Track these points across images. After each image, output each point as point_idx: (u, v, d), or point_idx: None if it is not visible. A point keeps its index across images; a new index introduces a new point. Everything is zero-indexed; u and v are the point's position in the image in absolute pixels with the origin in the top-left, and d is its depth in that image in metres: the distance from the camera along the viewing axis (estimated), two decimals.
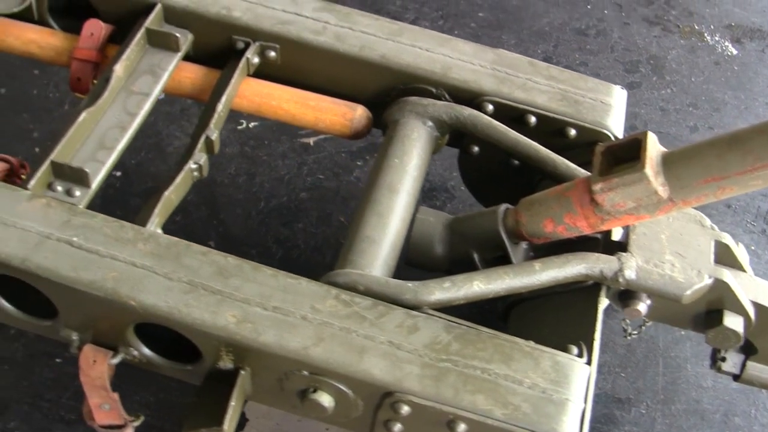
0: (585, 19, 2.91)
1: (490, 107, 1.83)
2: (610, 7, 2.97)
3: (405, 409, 1.38)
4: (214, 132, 1.73)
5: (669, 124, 2.62)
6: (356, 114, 1.86)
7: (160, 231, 1.54)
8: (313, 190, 2.35)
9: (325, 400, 1.42)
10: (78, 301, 1.44)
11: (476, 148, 1.87)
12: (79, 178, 1.58)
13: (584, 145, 1.81)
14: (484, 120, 1.79)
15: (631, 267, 1.58)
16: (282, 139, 2.45)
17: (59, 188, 1.57)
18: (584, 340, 1.53)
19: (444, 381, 1.38)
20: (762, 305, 1.67)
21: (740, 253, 1.73)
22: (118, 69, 1.74)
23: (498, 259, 1.66)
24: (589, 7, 2.96)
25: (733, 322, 1.64)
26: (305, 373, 1.40)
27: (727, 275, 1.63)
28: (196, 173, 1.69)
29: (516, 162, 1.85)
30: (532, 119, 1.83)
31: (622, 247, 1.62)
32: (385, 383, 1.38)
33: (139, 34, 1.80)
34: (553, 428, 1.37)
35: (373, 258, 1.58)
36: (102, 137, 1.67)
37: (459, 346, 1.43)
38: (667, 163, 1.46)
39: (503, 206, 1.66)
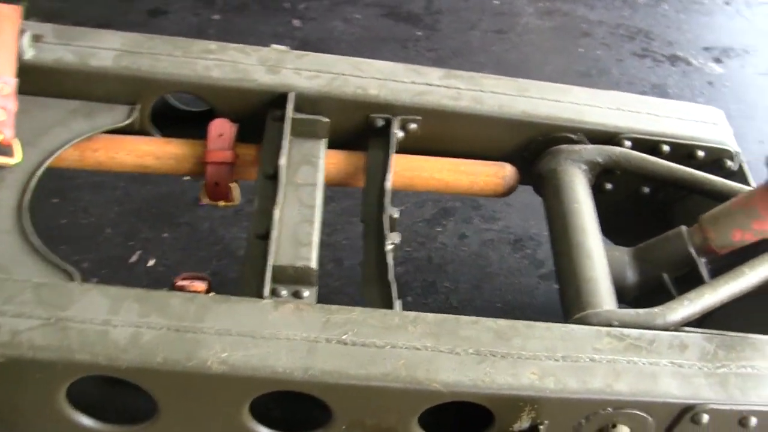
0: (583, 61, 3.01)
1: (628, 143, 1.87)
2: (599, 48, 3.08)
3: (705, 418, 1.42)
4: (395, 210, 1.66)
5: None
6: (507, 172, 1.85)
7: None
8: (407, 264, 2.30)
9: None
10: (361, 400, 1.36)
11: (609, 186, 1.90)
12: (306, 277, 1.48)
13: (710, 163, 1.91)
14: (635, 155, 1.83)
15: None
16: (353, 221, 2.38)
17: (284, 292, 1.47)
18: None
19: (728, 384, 1.44)
20: None
21: None
22: (283, 163, 1.65)
23: (685, 276, 1.73)
24: (581, 50, 3.06)
25: None
26: (609, 410, 1.40)
27: None
28: (393, 252, 1.62)
29: (646, 190, 1.92)
30: (666, 148, 1.89)
31: None
32: (685, 399, 1.41)
33: (286, 125, 1.71)
34: None
35: (604, 295, 1.60)
36: (295, 235, 1.58)
37: (724, 352, 1.48)
38: None
39: (683, 228, 1.73)
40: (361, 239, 1.68)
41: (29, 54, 1.71)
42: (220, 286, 2.17)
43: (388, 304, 1.49)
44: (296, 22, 3.03)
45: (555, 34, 3.12)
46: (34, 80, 1.70)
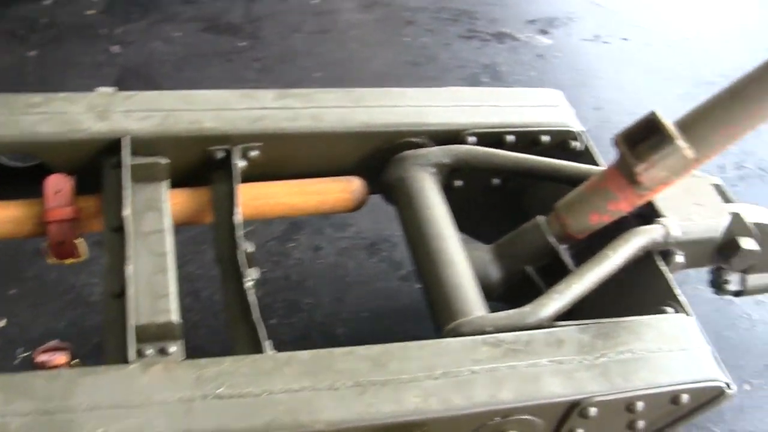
0: (410, 51, 3.03)
1: (473, 139, 1.89)
2: (424, 34, 3.11)
3: (593, 411, 1.44)
4: (250, 245, 1.64)
5: None
6: (355, 186, 1.84)
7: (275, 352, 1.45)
8: (266, 285, 2.26)
9: None
10: None
11: (459, 183, 1.92)
12: (169, 332, 1.44)
13: (556, 146, 1.95)
14: (481, 150, 1.85)
15: (675, 227, 1.71)
16: (203, 250, 2.33)
17: (150, 351, 1.42)
18: (668, 301, 1.64)
19: (610, 373, 1.46)
20: (760, 223, 1.86)
21: (726, 187, 1.93)
22: (127, 214, 1.59)
23: (548, 265, 1.76)
24: (407, 39, 3.08)
25: (748, 243, 1.81)
26: (497, 419, 1.41)
27: (736, 208, 1.81)
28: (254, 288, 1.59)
29: (496, 182, 1.94)
30: (510, 138, 1.91)
31: (655, 214, 1.74)
32: (570, 396, 1.43)
33: (124, 172, 1.65)
34: (707, 374, 1.50)
35: (472, 301, 1.61)
36: (151, 288, 1.53)
37: (601, 341, 1.51)
38: (684, 128, 1.62)
39: (540, 218, 1.76)
40: (216, 268, 1.64)
41: None
42: (79, 338, 2.12)
43: (258, 347, 1.45)
44: (115, 48, 2.93)
45: (378, 26, 3.13)
46: None
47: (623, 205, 1.69)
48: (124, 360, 1.38)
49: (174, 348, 1.43)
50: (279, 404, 1.33)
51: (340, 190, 1.82)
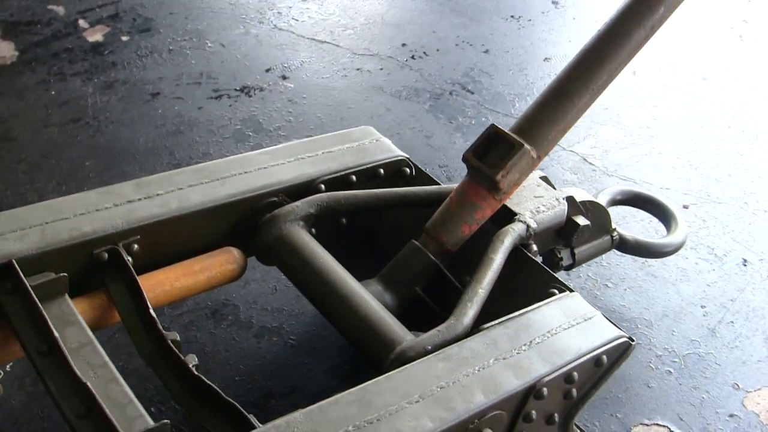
0: (167, 120, 3.09)
1: (323, 186, 2.04)
2: (174, 103, 3.18)
3: (545, 391, 1.64)
4: (174, 334, 1.68)
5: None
6: (235, 254, 1.92)
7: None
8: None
9: None
10: None
11: (313, 230, 2.03)
12: None
13: (390, 176, 2.16)
14: (341, 194, 2.00)
15: (531, 221, 1.97)
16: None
17: None
18: (552, 284, 1.88)
19: (546, 355, 1.67)
20: (585, 201, 2.17)
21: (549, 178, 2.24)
22: (57, 335, 1.58)
23: (434, 282, 1.94)
24: (160, 111, 3.13)
25: (582, 220, 2.12)
26: (476, 422, 1.55)
27: (566, 193, 2.12)
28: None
29: (344, 221, 2.09)
30: (353, 178, 2.09)
31: (510, 213, 1.98)
32: (526, 383, 1.61)
33: (31, 295, 1.63)
34: (614, 333, 1.75)
35: (398, 330, 1.74)
36: (112, 399, 1.53)
37: (523, 331, 1.71)
38: (521, 133, 1.91)
39: (415, 242, 1.93)
40: (148, 369, 1.66)
41: None
42: None
43: (246, 424, 1.50)
44: None
45: (127, 104, 3.15)
46: None
47: (487, 212, 1.93)
48: None
49: None
50: None
51: (223, 263, 1.89)
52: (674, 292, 2.64)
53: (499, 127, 1.91)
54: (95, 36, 3.57)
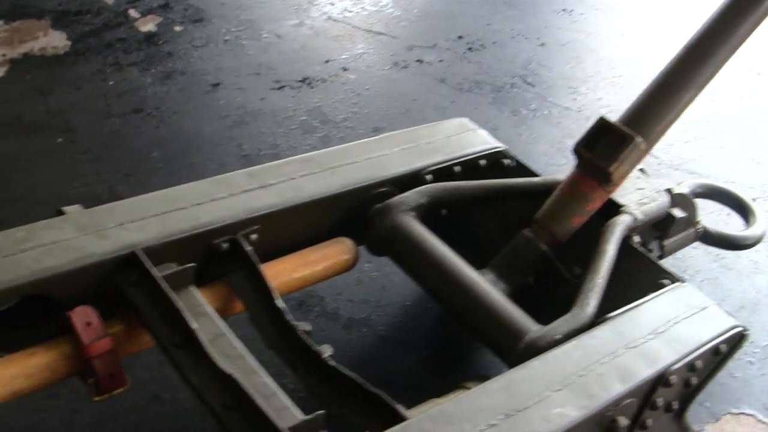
0: (230, 112, 3.05)
1: (429, 177, 2.02)
2: (236, 94, 3.14)
3: (673, 378, 1.64)
4: (306, 324, 1.65)
5: None
6: (349, 245, 1.90)
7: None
8: None
9: (623, 422, 1.60)
10: None
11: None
12: (318, 424, 1.43)
13: (491, 167, 2.14)
14: (450, 185, 1.98)
15: (637, 212, 1.96)
16: None
17: None
18: (662, 275, 1.87)
19: (670, 344, 1.67)
20: (680, 193, 2.16)
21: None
22: (196, 326, 1.55)
23: (542, 272, 1.94)
24: (222, 102, 3.09)
25: (678, 212, 2.11)
26: (608, 414, 1.55)
27: (667, 184, 2.09)
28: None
29: (444, 212, 2.06)
30: (457, 168, 2.07)
31: (615, 205, 1.97)
32: (657, 372, 1.62)
33: (162, 285, 1.59)
34: (730, 323, 1.76)
35: (524, 319, 1.74)
36: (257, 390, 1.49)
37: (646, 322, 1.70)
38: (630, 125, 1.89)
39: (526, 233, 1.92)
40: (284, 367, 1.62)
41: None
42: None
43: (395, 416, 1.47)
44: None
45: (185, 95, 3.11)
46: None
47: (597, 204, 1.91)
48: None
49: None
50: None
51: (338, 252, 1.87)
52: (749, 284, 2.62)
53: (609, 118, 1.88)
54: (147, 26, 3.51)
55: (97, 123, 2.96)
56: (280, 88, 3.21)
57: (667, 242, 2.19)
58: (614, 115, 1.94)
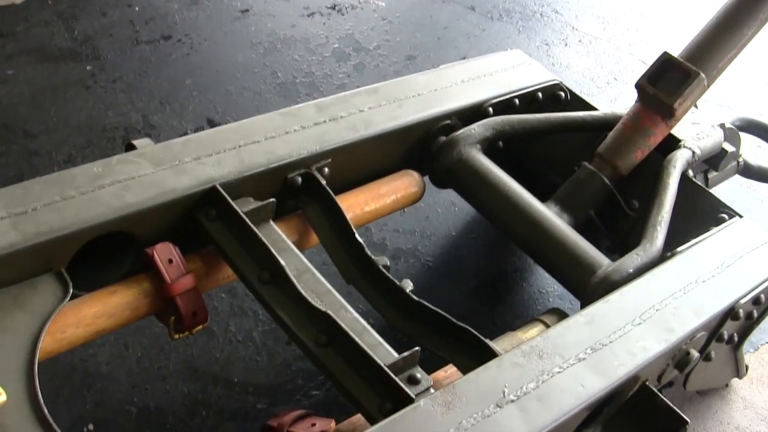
0: (259, 37, 3.00)
1: (490, 110, 2.01)
2: (266, 20, 3.08)
3: (741, 312, 1.67)
4: (384, 259, 1.64)
5: None
6: (416, 178, 1.89)
7: None
8: None
9: (695, 354, 1.64)
10: None
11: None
12: (413, 360, 1.43)
13: (547, 100, 2.12)
14: (513, 118, 1.97)
15: (696, 147, 1.96)
16: None
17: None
18: (720, 209, 1.89)
19: (737, 278, 1.70)
20: (729, 128, 2.17)
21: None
22: (284, 262, 1.53)
23: (602, 207, 1.94)
24: (253, 28, 3.04)
25: (729, 146, 2.12)
26: (684, 346, 1.59)
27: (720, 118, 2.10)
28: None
29: (500, 144, 2.04)
30: (516, 101, 2.06)
31: (674, 140, 1.97)
32: (727, 305, 1.65)
33: (245, 221, 1.58)
34: None
35: (595, 254, 1.75)
36: (350, 325, 1.49)
37: (712, 257, 1.74)
38: (692, 61, 1.89)
39: (589, 166, 1.91)
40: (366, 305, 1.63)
41: None
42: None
43: (486, 349, 1.48)
44: None
45: (217, 21, 3.05)
46: None
47: (659, 138, 1.92)
48: (407, 398, 1.35)
49: (419, 374, 1.42)
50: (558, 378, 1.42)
51: (406, 185, 1.87)
52: None
53: (672, 54, 1.88)
54: None
55: (127, 50, 2.90)
56: (310, 14, 3.15)
57: (712, 175, 2.20)
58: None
